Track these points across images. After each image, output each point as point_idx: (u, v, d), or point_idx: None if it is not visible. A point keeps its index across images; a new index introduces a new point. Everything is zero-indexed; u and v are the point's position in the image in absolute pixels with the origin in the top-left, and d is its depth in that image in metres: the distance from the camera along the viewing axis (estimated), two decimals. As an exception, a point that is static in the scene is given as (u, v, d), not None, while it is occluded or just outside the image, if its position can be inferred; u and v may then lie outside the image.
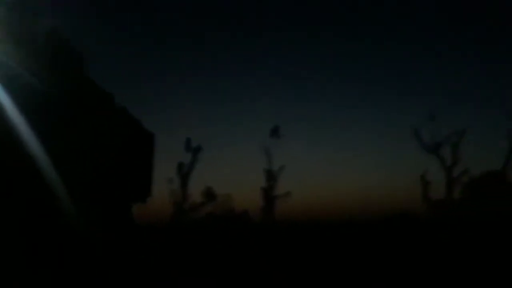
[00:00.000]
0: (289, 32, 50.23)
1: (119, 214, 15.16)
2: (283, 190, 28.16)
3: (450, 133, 24.00)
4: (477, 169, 25.64)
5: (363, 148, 47.90)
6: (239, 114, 52.24)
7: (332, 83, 51.67)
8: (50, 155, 10.46)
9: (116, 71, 41.35)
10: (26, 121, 9.82)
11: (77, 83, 12.31)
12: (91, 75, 13.09)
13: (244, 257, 16.38)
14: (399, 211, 26.68)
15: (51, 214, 10.42)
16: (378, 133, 48.39)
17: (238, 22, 50.18)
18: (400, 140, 35.42)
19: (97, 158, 12.99)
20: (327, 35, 51.01)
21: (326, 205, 36.51)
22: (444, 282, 11.18)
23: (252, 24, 50.26)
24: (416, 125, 24.86)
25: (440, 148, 23.82)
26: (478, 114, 43.47)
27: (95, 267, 10.11)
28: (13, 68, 9.79)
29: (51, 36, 11.81)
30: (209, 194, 28.36)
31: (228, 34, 52.00)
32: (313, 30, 51.23)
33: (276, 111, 51.31)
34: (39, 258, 9.58)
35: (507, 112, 24.45)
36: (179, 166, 28.07)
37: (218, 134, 47.26)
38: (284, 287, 10.02)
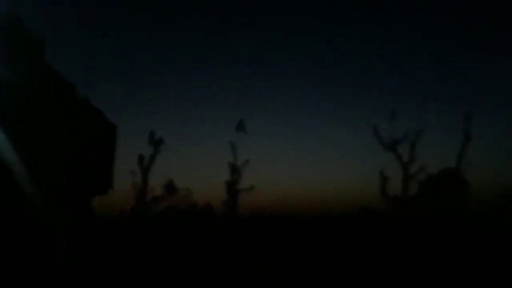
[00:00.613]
0: (254, 26, 50.37)
1: (78, 206, 14.94)
2: (247, 184, 28.41)
3: (408, 131, 25.01)
4: (433, 167, 26.97)
5: (325, 143, 49.00)
6: (205, 108, 51.97)
7: (296, 79, 52.32)
8: (7, 144, 10.22)
9: (79, 60, 40.08)
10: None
11: (37, 71, 12.00)
12: (53, 64, 12.76)
13: (205, 250, 16.51)
14: (361, 206, 27.69)
15: (8, 205, 10.19)
16: (340, 128, 49.67)
17: (200, 16, 49.78)
18: (362, 136, 36.41)
19: (57, 148, 12.76)
20: (290, 31, 51.61)
21: (289, 199, 37.15)
22: (400, 275, 11.77)
23: (216, 19, 50.11)
24: (376, 122, 25.77)
25: (398, 145, 24.81)
26: (436, 114, 45.38)
27: (54, 260, 9.98)
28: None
29: (9, 22, 11.44)
30: (170, 187, 28.18)
31: (195, 27, 51.44)
32: (277, 25, 51.76)
33: (242, 105, 51.38)
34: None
35: (463, 113, 25.68)
36: (140, 158, 27.75)
37: (183, 128, 46.94)
38: (245, 280, 10.23)
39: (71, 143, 13.57)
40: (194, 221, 26.26)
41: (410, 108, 47.79)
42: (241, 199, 28.34)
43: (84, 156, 14.54)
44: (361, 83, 50.69)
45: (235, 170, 28.38)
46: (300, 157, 47.47)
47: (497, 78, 47.56)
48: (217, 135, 48.75)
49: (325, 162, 45.86)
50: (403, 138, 24.78)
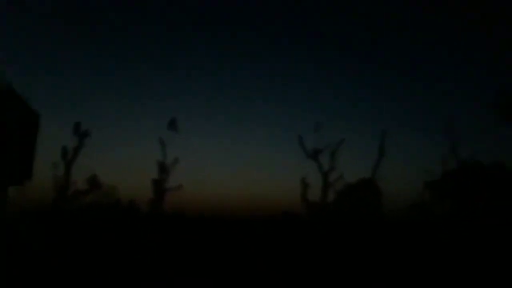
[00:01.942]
0: (195, 28, 50.41)
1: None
2: (175, 182, 28.34)
3: (329, 142, 26.54)
4: (351, 176, 28.81)
5: (254, 149, 50.12)
6: (136, 104, 50.86)
7: (229, 85, 53.00)
8: None
9: (6, 45, 37.66)
10: None
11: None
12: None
13: (125, 247, 16.41)
14: (283, 210, 28.90)
15: None
16: (268, 137, 51.28)
17: (135, 10, 48.86)
18: (289, 145, 38.05)
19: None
20: (227, 36, 52.28)
21: (216, 200, 37.66)
22: (317, 272, 12.53)
23: (151, 16, 49.50)
24: (301, 133, 27.12)
25: (320, 155, 26.24)
26: (356, 128, 48.54)
27: None
28: None
29: None
30: (94, 182, 27.42)
31: (130, 21, 50.31)
32: (216, 29, 52.08)
33: (175, 104, 51.09)
34: None
35: (381, 129, 27.79)
36: (63, 150, 26.71)
37: (112, 123, 45.68)
38: (164, 275, 10.46)
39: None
40: (116, 218, 25.78)
41: (333, 122, 50.65)
42: (168, 197, 28.34)
43: (1, 143, 13.99)
44: (290, 95, 52.68)
45: (163, 168, 28.27)
46: (228, 160, 48.25)
47: (412, 100, 51.90)
48: (148, 132, 48.17)
49: (253, 167, 47.01)
50: (324, 147, 26.28)
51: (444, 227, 22.57)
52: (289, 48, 52.50)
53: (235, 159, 48.60)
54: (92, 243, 16.83)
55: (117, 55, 49.27)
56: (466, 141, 26.79)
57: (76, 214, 25.70)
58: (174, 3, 48.37)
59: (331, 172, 26.16)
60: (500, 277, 9.52)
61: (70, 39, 46.47)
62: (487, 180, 23.61)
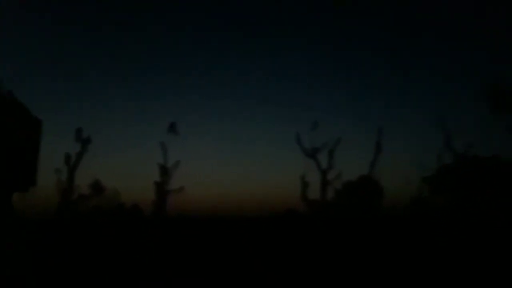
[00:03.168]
0: (186, 31, 50.56)
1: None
2: (177, 185, 28.47)
3: (327, 140, 26.63)
4: (349, 174, 28.90)
5: (254, 149, 50.26)
6: (136, 109, 51.00)
7: (228, 87, 53.14)
8: None
9: (7, 55, 37.85)
10: None
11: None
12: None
13: (129, 250, 16.50)
14: (285, 208, 28.99)
15: None
16: (268, 136, 51.46)
17: (136, 17, 49.02)
18: (287, 144, 38.21)
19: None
20: (225, 37, 52.35)
21: (217, 200, 37.77)
22: (319, 270, 12.60)
23: (152, 22, 49.62)
24: (299, 131, 27.21)
25: (318, 153, 26.31)
26: (353, 126, 48.76)
27: None
28: None
29: None
30: (97, 187, 27.56)
31: (129, 27, 50.47)
32: (213, 30, 52.24)
33: (174, 108, 51.22)
34: None
35: (377, 126, 27.85)
36: (66, 156, 26.88)
37: (113, 128, 45.84)
38: (169, 276, 10.54)
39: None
40: (120, 221, 25.88)
41: (331, 120, 50.80)
42: (170, 199, 28.47)
43: (6, 151, 14.07)
44: (287, 94, 52.79)
45: (164, 170, 28.39)
46: (228, 161, 48.44)
47: (406, 95, 52.02)
48: (148, 136, 48.34)
49: (252, 167, 47.15)
50: (322, 146, 26.36)
51: (443, 221, 22.63)
52: (285, 47, 52.89)
53: (235, 160, 48.79)
54: (97, 246, 16.93)
55: (117, 61, 49.49)
56: (461, 134, 26.87)
57: (80, 218, 25.82)
58: (175, 7, 48.57)
59: (329, 170, 26.27)
60: (499, 272, 9.58)
61: (71, 45, 46.64)
62: (484, 173, 23.67)
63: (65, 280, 10.07)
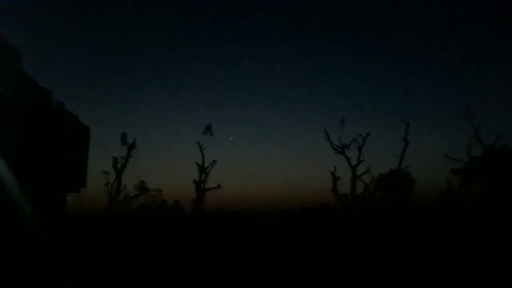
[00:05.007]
0: (219, 34, 51.32)
1: (53, 203, 15.44)
2: (214, 183, 29.34)
3: (356, 136, 26.65)
4: (378, 168, 28.73)
5: (285, 146, 50.36)
6: (174, 112, 52.29)
7: (258, 89, 53.44)
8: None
9: (53, 65, 40.00)
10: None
11: (14, 79, 12.57)
12: (28, 71, 13.30)
13: (175, 245, 17.12)
14: (320, 202, 29.22)
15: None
16: (298, 133, 51.40)
17: (173, 23, 50.25)
18: (316, 141, 38.13)
19: (34, 151, 13.30)
20: (250, 38, 52.57)
21: (253, 196, 38.30)
22: (353, 258, 12.70)
23: (189, 28, 50.77)
24: (328, 129, 27.39)
25: (347, 149, 26.41)
26: (381, 121, 47.87)
27: (31, 255, 10.47)
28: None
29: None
30: (142, 187, 28.81)
31: (166, 33, 51.94)
32: (239, 33, 52.71)
33: (209, 110, 52.22)
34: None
35: (404, 121, 27.52)
36: (114, 161, 28.32)
37: (154, 130, 47.33)
38: (214, 272, 10.99)
39: (47, 146, 14.12)
40: (164, 218, 26.91)
41: (359, 115, 50.06)
42: (208, 196, 29.39)
43: (59, 157, 15.09)
44: (317, 94, 52.49)
45: (202, 170, 29.33)
46: (261, 159, 48.85)
47: (434, 89, 50.40)
48: (186, 138, 49.72)
49: (285, 163, 47.28)
50: (351, 142, 26.42)
51: (473, 213, 22.11)
52: (313, 45, 52.41)
53: (267, 157, 49.07)
54: (143, 242, 17.71)
55: (154, 66, 51.01)
56: (490, 126, 26.14)
57: (127, 216, 27.08)
58: (204, 16, 49.49)
59: (358, 165, 26.28)
60: None
61: (111, 54, 48.56)
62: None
63: (113, 274, 10.72)
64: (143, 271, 10.60)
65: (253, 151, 49.19)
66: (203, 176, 29.67)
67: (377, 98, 50.24)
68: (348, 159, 26.28)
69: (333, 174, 26.47)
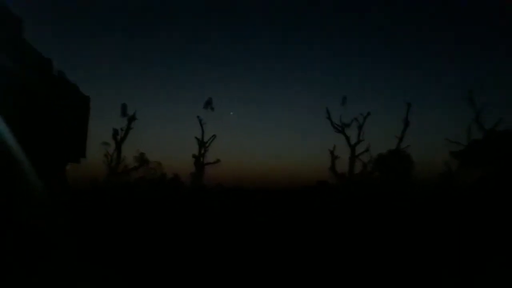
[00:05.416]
0: (224, 14, 50.41)
1: (53, 172, 15.46)
2: (213, 158, 29.31)
3: (356, 116, 26.46)
4: (378, 148, 28.67)
5: (285, 124, 50.22)
6: (175, 85, 51.82)
7: (259, 65, 52.81)
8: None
9: (55, 34, 39.39)
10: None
11: (15, 47, 12.35)
12: (29, 39, 13.07)
13: (173, 217, 17.25)
14: (318, 180, 29.30)
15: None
16: (299, 111, 51.18)
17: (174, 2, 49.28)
18: (317, 119, 38.02)
19: (34, 120, 13.21)
20: (252, 19, 51.77)
21: (252, 173, 38.48)
22: (348, 234, 12.82)
23: (189, 7, 49.79)
24: (329, 107, 27.15)
25: (347, 128, 26.26)
26: (381, 101, 47.60)
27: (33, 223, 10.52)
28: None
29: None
30: (142, 159, 28.77)
31: (167, 10, 50.97)
32: (243, 14, 51.87)
33: (210, 85, 51.81)
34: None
35: (406, 101, 27.27)
36: (114, 132, 28.17)
37: (153, 104, 47.12)
38: (211, 245, 11.07)
39: (46, 114, 14.01)
40: (162, 191, 27.04)
41: (359, 95, 49.69)
42: (207, 171, 29.43)
43: (59, 126, 15.01)
44: (318, 71, 51.97)
45: (202, 144, 29.25)
46: (261, 135, 48.76)
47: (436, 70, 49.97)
48: (186, 111, 49.60)
49: (284, 141, 47.28)
50: (351, 121, 26.25)
51: (472, 195, 22.18)
52: (317, 23, 51.61)
53: (267, 134, 49.01)
54: (141, 212, 17.83)
55: (157, 43, 50.30)
56: (493, 108, 25.93)
57: (127, 188, 27.17)
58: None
59: (358, 145, 26.20)
60: None
61: (114, 28, 47.78)
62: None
63: (109, 242, 10.78)
64: (142, 244, 10.66)
65: (253, 127, 49.15)
66: (203, 151, 29.58)
67: (379, 79, 49.90)
68: (347, 138, 26.20)
69: (332, 152, 26.43)
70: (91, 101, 17.21)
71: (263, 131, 49.18)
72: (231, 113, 40.52)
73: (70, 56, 39.31)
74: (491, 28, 45.80)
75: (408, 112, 26.66)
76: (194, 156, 29.26)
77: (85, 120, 16.94)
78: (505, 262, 8.00)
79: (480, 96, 25.59)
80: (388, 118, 43.16)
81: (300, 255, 9.42)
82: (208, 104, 29.25)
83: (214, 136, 29.33)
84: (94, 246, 9.73)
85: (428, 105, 44.06)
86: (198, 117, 29.11)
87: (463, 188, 24.24)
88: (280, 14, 51.38)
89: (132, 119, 28.31)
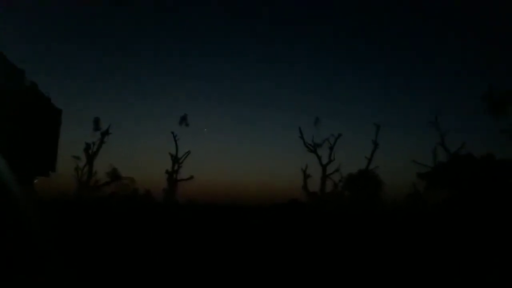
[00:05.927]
0: (202, 32, 50.88)
1: (21, 185, 15.09)
2: (187, 174, 29.18)
3: (327, 137, 27.11)
4: (348, 168, 29.29)
5: (259, 143, 50.60)
6: (150, 100, 51.45)
7: (235, 83, 53.35)
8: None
9: (28, 46, 38.78)
10: None
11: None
12: (3, 50, 12.97)
13: (142, 234, 17.01)
14: (290, 198, 29.55)
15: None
16: (272, 130, 51.74)
17: (149, 11, 49.33)
18: (290, 139, 38.57)
19: (2, 130, 12.98)
20: (232, 37, 52.45)
21: (225, 190, 38.32)
22: (318, 248, 12.94)
23: (163, 18, 50.02)
24: (301, 127, 27.72)
25: (319, 148, 26.82)
26: (352, 124, 48.88)
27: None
28: None
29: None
30: (114, 175, 28.38)
31: (142, 22, 50.99)
32: (220, 31, 52.52)
33: (185, 102, 51.89)
34: None
35: (375, 124, 28.15)
36: (86, 146, 27.78)
37: (127, 119, 46.68)
38: (182, 261, 11.02)
39: (16, 126, 13.79)
40: (134, 206, 26.62)
41: (332, 117, 50.97)
42: (179, 187, 29.21)
43: (28, 139, 14.76)
44: (291, 93, 53.10)
45: (175, 160, 29.13)
46: (235, 153, 48.90)
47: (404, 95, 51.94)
48: (161, 127, 49.47)
49: (258, 159, 47.55)
50: (323, 142, 26.85)
51: (438, 215, 22.84)
52: (289, 46, 52.79)
53: (241, 152, 49.19)
54: (111, 228, 17.51)
55: (132, 56, 50.07)
56: (456, 133, 27.02)
57: (98, 202, 26.62)
58: (185, 8, 48.89)
59: (329, 164, 26.74)
60: (493, 266, 9.88)
61: (88, 40, 47.35)
62: (477, 171, 23.78)
63: (79, 258, 10.60)
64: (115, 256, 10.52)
65: (227, 145, 49.24)
66: (176, 167, 29.46)
67: (351, 101, 51.29)
68: (319, 158, 26.71)
69: (304, 172, 26.84)
70: (63, 114, 17.03)
71: (238, 148, 49.40)
72: (205, 130, 40.54)
73: (44, 69, 38.72)
74: (462, 52, 48.11)
75: (377, 134, 27.50)
76: (167, 172, 29.10)
77: (56, 133, 16.71)
78: (468, 278, 8.31)
79: (444, 121, 26.75)
80: (359, 138, 44.18)
81: (262, 268, 9.50)
82: (183, 120, 29.32)
83: (188, 152, 29.34)
84: (57, 258, 9.54)
85: (397, 128, 45.52)
86: (172, 132, 29.14)
87: (429, 209, 25.01)
88: (257, 33, 52.45)
89: (105, 133, 28.04)
